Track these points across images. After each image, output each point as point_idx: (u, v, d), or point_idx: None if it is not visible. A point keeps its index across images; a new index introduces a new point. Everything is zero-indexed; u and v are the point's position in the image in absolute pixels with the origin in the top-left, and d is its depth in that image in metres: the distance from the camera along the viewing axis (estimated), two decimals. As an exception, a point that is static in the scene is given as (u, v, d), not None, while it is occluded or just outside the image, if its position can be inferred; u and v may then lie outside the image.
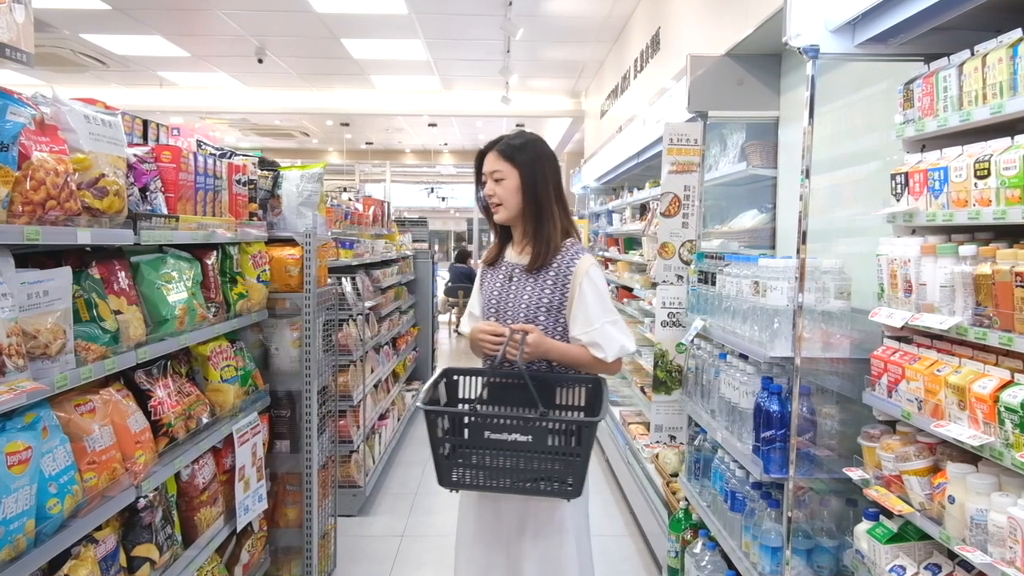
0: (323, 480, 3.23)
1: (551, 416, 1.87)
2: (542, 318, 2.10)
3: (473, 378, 2.18)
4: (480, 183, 2.20)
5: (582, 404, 2.12)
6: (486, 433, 1.87)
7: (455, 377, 2.19)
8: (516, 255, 2.21)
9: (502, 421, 1.87)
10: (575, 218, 8.66)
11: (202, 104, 11.29)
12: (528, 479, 1.88)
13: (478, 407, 1.92)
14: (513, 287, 2.16)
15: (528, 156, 2.13)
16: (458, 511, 2.20)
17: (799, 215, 2.21)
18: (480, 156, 2.20)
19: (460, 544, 2.17)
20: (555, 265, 2.12)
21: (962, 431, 1.61)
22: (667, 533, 3.30)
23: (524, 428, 1.86)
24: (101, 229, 1.75)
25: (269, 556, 3.02)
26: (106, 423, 1.80)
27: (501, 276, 2.21)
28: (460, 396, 2.19)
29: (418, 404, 1.92)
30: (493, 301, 2.20)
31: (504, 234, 2.27)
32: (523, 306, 2.12)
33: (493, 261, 2.28)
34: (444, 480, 1.94)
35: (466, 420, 1.92)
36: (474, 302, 2.33)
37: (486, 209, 2.22)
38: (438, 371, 2.18)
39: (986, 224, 1.64)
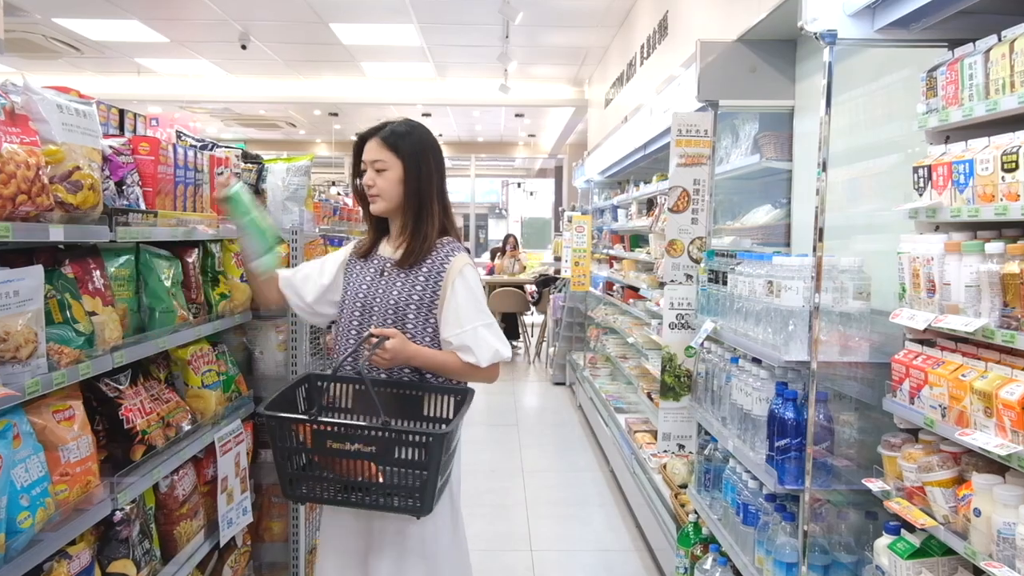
0: (311, 492, 3.22)
1: (391, 427, 1.84)
2: (411, 315, 2.10)
3: (339, 384, 2.15)
4: (358, 171, 2.19)
5: (451, 416, 2.09)
6: (328, 442, 1.86)
7: (319, 383, 2.15)
8: (391, 250, 2.19)
9: (341, 430, 1.87)
10: (578, 213, 8.57)
11: (182, 93, 11.27)
12: (378, 494, 1.88)
13: (318, 414, 1.91)
14: (383, 282, 2.15)
15: (413, 147, 2.12)
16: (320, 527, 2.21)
17: (816, 210, 2.21)
18: (360, 142, 2.18)
19: (318, 562, 2.18)
20: (428, 262, 2.11)
21: (988, 440, 1.61)
22: (675, 548, 3.30)
23: (366, 438, 1.84)
24: (75, 225, 1.75)
25: (253, 572, 3.01)
26: (84, 432, 1.80)
27: (372, 270, 2.19)
28: (326, 403, 2.14)
29: (259, 409, 1.92)
30: (360, 295, 2.17)
31: (380, 226, 2.25)
32: (392, 302, 2.10)
33: (366, 253, 2.24)
34: (287, 491, 1.95)
35: (306, 429, 1.90)
36: (315, 265, 2.31)
37: (362, 198, 2.21)
38: (298, 375, 2.17)
39: (1014, 220, 1.64)
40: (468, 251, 2.20)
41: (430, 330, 2.10)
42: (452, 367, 2.08)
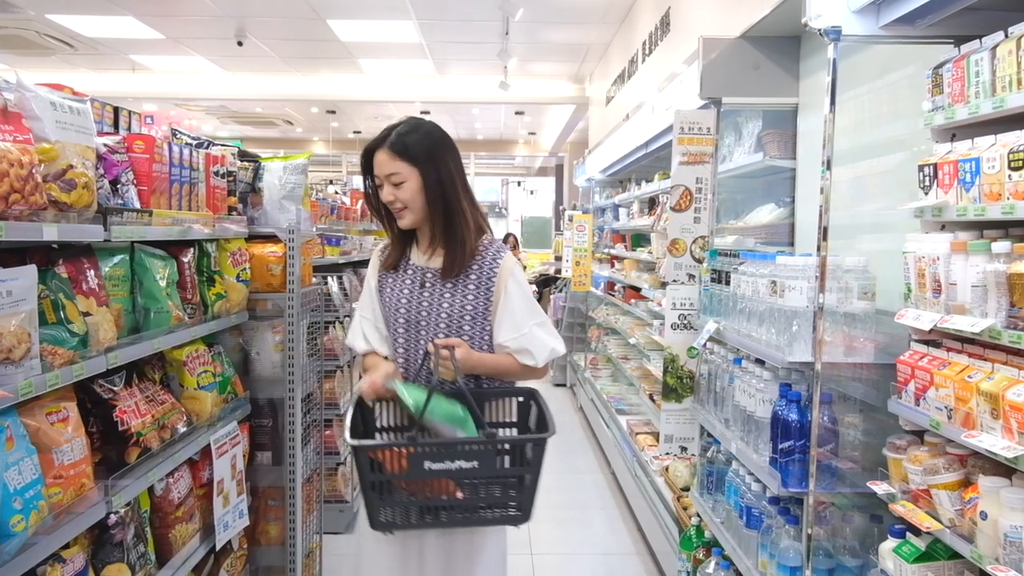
0: (308, 495, 3.23)
1: (500, 437, 1.82)
2: (467, 327, 2.05)
3: (390, 402, 2.07)
4: (370, 183, 2.10)
5: (514, 420, 2.09)
6: (426, 464, 1.76)
7: (370, 403, 2.07)
8: (425, 258, 2.11)
9: (443, 449, 1.79)
10: (579, 212, 8.57)
11: (177, 90, 11.27)
12: (469, 510, 1.84)
13: (416, 436, 1.82)
14: (427, 294, 2.07)
15: (426, 148, 2.02)
16: (363, 555, 2.10)
17: (820, 209, 2.21)
18: (368, 154, 2.07)
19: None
20: (476, 268, 2.05)
21: (995, 442, 1.61)
22: (678, 551, 3.30)
23: (469, 453, 1.78)
24: (69, 225, 1.75)
25: (250, 576, 3.02)
26: (78, 434, 1.80)
27: (409, 282, 2.11)
28: (378, 425, 2.08)
29: (348, 440, 1.81)
30: (403, 311, 2.09)
31: (404, 233, 2.14)
32: (444, 315, 2.04)
33: (395, 264, 2.15)
34: (376, 523, 1.85)
35: (406, 451, 1.79)
36: (366, 308, 2.19)
37: (384, 215, 2.11)
38: (354, 396, 2.09)
39: (1021, 219, 1.64)
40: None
41: (486, 337, 2.07)
42: (511, 370, 2.06)
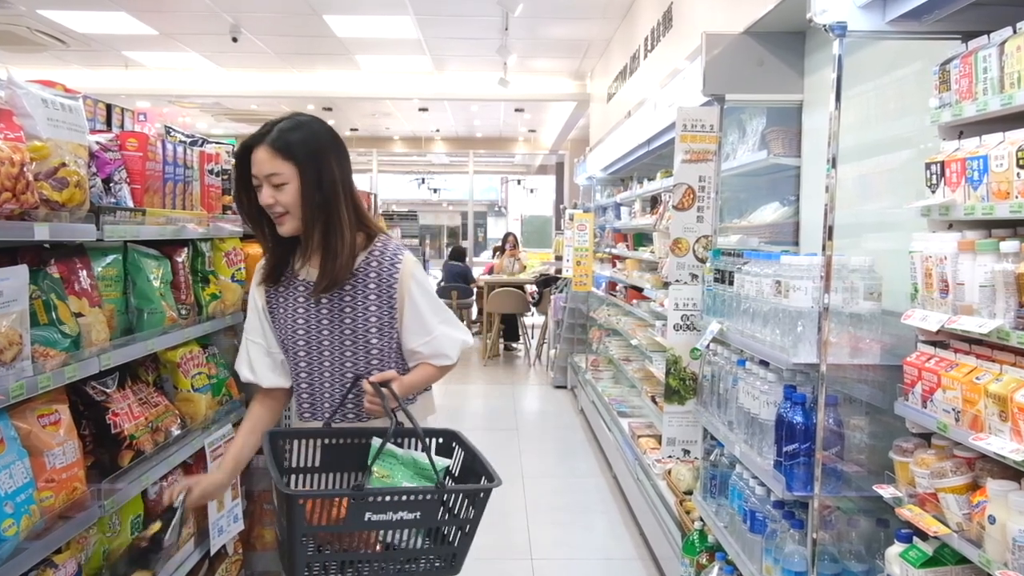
0: (304, 498, 3.22)
1: (448, 488, 1.70)
2: (374, 340, 1.96)
3: (304, 441, 1.91)
4: (243, 183, 1.93)
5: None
6: (367, 515, 1.60)
7: (282, 442, 1.89)
8: (315, 269, 1.95)
9: (393, 498, 1.62)
10: (580, 211, 8.54)
11: (171, 87, 11.26)
12: (400, 561, 1.69)
13: (363, 484, 1.63)
14: (324, 310, 1.95)
15: (309, 149, 1.87)
16: None
17: (825, 208, 2.21)
18: (245, 151, 1.90)
19: None
20: (373, 275, 1.95)
21: (1004, 444, 1.61)
22: (680, 556, 3.30)
23: (413, 504, 1.64)
24: (61, 224, 1.75)
25: (245, 582, 3.02)
26: (70, 437, 1.80)
27: (303, 299, 1.97)
28: (289, 465, 1.90)
29: (283, 489, 1.60)
30: (301, 331, 1.96)
31: (282, 241, 1.97)
32: (348, 331, 1.95)
33: (276, 277, 2.00)
34: None
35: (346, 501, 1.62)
36: (255, 331, 2.05)
37: (256, 220, 1.97)
38: (264, 437, 1.90)
39: (1029, 218, 1.65)
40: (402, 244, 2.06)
41: (395, 346, 2.00)
42: (431, 378, 2.03)
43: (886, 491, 2.04)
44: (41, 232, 1.67)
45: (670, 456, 3.72)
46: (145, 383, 2.32)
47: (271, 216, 1.92)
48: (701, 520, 3.17)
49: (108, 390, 2.10)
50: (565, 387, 8.44)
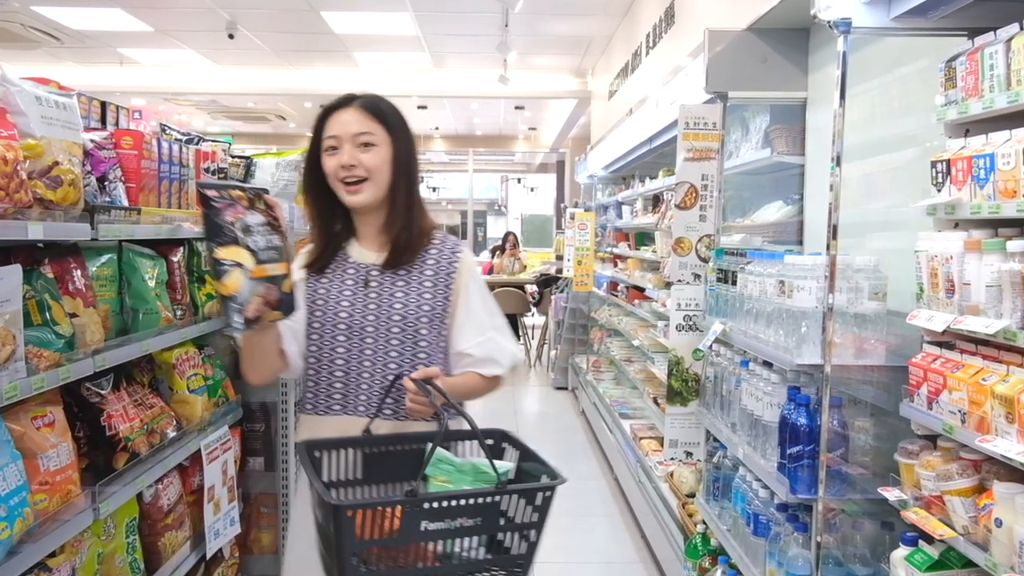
0: (301, 501, 3.23)
1: (509, 487, 1.51)
2: (424, 331, 1.82)
3: (341, 452, 1.69)
4: (314, 153, 1.82)
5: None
6: (423, 524, 1.45)
7: (316, 453, 1.67)
8: (372, 252, 1.87)
9: (451, 504, 1.46)
10: (581, 209, 8.53)
11: (167, 84, 11.27)
12: (466, 572, 1.52)
13: (416, 490, 1.47)
14: (374, 294, 1.83)
15: (399, 118, 1.84)
16: None
17: (829, 207, 2.21)
18: (327, 113, 1.82)
19: None
20: (431, 262, 1.85)
21: (1010, 446, 1.61)
22: (683, 560, 3.30)
23: (473, 508, 1.48)
24: (55, 223, 1.75)
25: (241, 586, 3.02)
26: (64, 439, 1.80)
27: (350, 281, 1.85)
28: (326, 479, 1.67)
29: (328, 500, 1.43)
30: (343, 315, 1.81)
31: (335, 227, 1.89)
32: (396, 318, 1.80)
33: (324, 264, 1.87)
34: None
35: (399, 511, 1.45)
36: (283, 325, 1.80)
37: (315, 187, 1.84)
38: (292, 447, 1.73)
39: (1037, 217, 1.65)
40: None
41: (443, 344, 1.86)
42: (477, 388, 1.88)
43: (891, 494, 2.04)
44: (35, 231, 1.67)
45: (672, 458, 3.72)
46: (140, 384, 2.32)
47: (343, 184, 1.79)
48: (704, 523, 3.17)
49: (103, 391, 2.10)
50: (566, 388, 8.44)
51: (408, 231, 1.83)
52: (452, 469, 1.62)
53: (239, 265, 1.55)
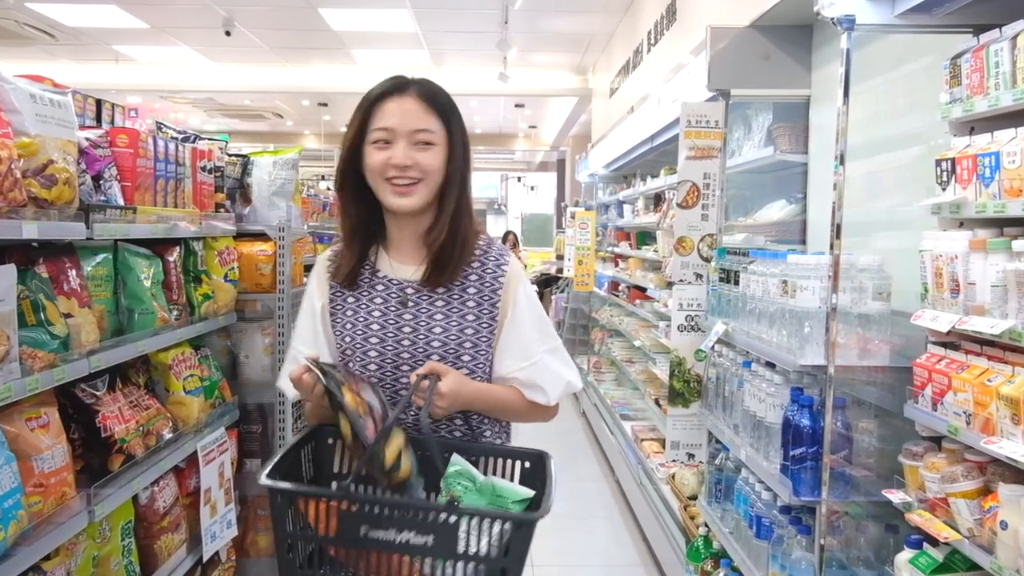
0: (299, 504, 3.22)
1: (464, 508, 1.34)
2: (467, 358, 1.59)
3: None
4: (357, 144, 1.59)
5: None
6: (362, 529, 1.31)
7: (330, 440, 1.56)
8: (408, 266, 1.64)
9: (389, 511, 1.31)
10: (582, 209, 8.53)
11: (163, 82, 11.26)
12: None
13: (354, 487, 1.35)
14: (410, 316, 1.60)
15: (458, 113, 1.63)
16: None
17: (833, 206, 2.21)
18: (376, 100, 1.58)
19: None
20: (475, 278, 1.62)
21: (1016, 448, 1.61)
22: (685, 563, 3.30)
23: (423, 524, 1.31)
24: (49, 222, 1.75)
25: (238, 589, 3.02)
26: (59, 441, 1.80)
27: (381, 300, 1.62)
28: (336, 470, 1.56)
29: (262, 479, 1.33)
30: (374, 340, 1.60)
31: (369, 230, 1.66)
32: (436, 344, 1.58)
33: (354, 277, 1.64)
34: None
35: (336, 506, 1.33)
36: (307, 339, 1.66)
37: (348, 187, 1.62)
38: (305, 430, 1.59)
39: (1042, 216, 1.64)
40: None
41: (488, 368, 1.63)
42: (515, 408, 1.64)
43: (895, 496, 2.04)
44: (29, 231, 1.67)
45: (674, 460, 3.72)
46: (136, 385, 2.32)
47: (391, 184, 1.57)
48: (706, 526, 3.17)
49: (98, 392, 2.09)
50: (566, 389, 8.43)
51: (453, 244, 1.60)
52: (470, 486, 1.47)
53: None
